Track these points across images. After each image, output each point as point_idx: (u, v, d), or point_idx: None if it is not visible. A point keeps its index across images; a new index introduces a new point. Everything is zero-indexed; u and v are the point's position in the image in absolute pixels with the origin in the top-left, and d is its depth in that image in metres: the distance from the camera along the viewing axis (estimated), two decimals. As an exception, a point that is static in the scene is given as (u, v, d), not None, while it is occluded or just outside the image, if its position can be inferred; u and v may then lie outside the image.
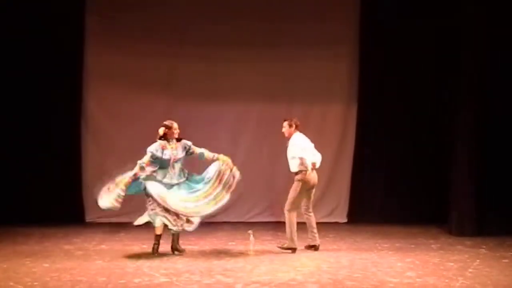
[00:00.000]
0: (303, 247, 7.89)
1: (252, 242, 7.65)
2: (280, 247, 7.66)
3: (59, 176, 10.10)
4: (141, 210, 10.34)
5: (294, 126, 7.82)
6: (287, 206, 7.64)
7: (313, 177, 7.74)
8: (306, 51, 10.59)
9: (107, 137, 10.58)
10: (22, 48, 10.07)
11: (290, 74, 10.67)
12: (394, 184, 10.64)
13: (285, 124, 7.84)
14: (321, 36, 10.65)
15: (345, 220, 10.80)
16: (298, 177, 7.65)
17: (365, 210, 10.64)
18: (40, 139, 10.08)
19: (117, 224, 9.91)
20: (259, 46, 10.54)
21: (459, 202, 9.40)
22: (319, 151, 10.87)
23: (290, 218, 7.60)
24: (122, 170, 10.51)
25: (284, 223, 7.75)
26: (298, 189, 7.62)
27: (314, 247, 7.83)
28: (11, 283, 5.92)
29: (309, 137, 10.82)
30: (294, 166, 7.68)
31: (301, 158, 7.58)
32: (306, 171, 7.63)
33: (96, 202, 7.40)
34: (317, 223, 10.38)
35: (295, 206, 7.64)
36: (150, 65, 10.51)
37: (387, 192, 10.65)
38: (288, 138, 7.84)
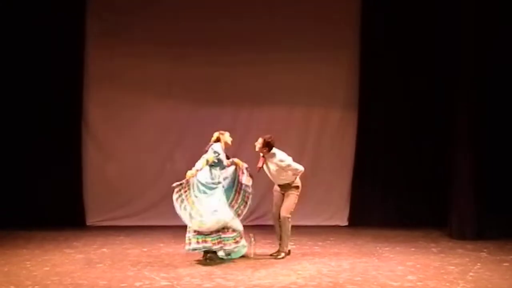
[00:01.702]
0: (302, 250, 7.89)
1: (253, 245, 7.64)
2: (279, 257, 7.51)
3: (60, 180, 10.09)
4: (141, 214, 10.44)
5: (270, 145, 7.53)
6: (287, 213, 7.53)
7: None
8: (307, 55, 10.61)
9: (108, 140, 10.58)
10: (23, 51, 10.08)
11: (291, 78, 10.69)
12: (395, 187, 10.64)
13: (260, 140, 7.55)
14: (322, 40, 10.68)
15: (346, 224, 10.80)
16: (296, 184, 7.59)
17: (365, 214, 10.64)
18: (41, 143, 10.08)
19: (118, 227, 9.94)
20: (260, 49, 10.55)
21: (459, 206, 9.40)
22: (319, 154, 10.96)
23: (288, 225, 7.56)
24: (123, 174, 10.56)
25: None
26: (297, 195, 7.60)
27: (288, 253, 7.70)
28: (12, 287, 5.92)
29: (309, 141, 10.92)
30: (289, 178, 7.56)
31: (300, 171, 7.54)
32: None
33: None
34: (318, 227, 10.45)
35: (291, 213, 7.61)
36: (151, 68, 10.53)
37: (388, 196, 10.65)
38: (261, 153, 7.60)
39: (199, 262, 7.21)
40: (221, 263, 7.18)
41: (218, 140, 7.59)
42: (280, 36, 10.60)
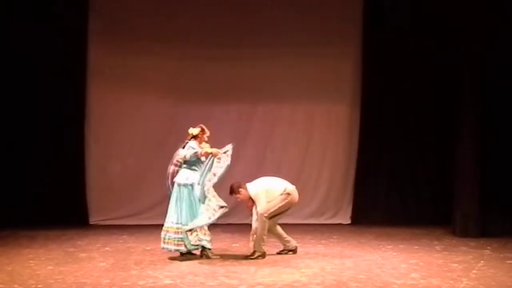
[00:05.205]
0: (305, 248, 7.87)
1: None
2: (252, 258, 7.34)
3: (62, 179, 10.12)
4: (144, 212, 10.45)
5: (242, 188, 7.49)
6: (264, 211, 7.31)
7: (296, 195, 7.54)
8: (310, 50, 10.59)
9: (111, 139, 10.59)
10: (24, 49, 10.08)
11: (294, 74, 10.70)
12: (398, 185, 10.64)
13: (242, 192, 7.46)
14: (324, 36, 10.67)
15: (349, 222, 10.80)
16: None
17: (368, 212, 10.65)
18: (43, 141, 10.11)
19: (121, 226, 9.95)
20: (263, 45, 10.55)
21: (463, 203, 9.39)
22: (323, 152, 10.94)
23: (265, 224, 7.32)
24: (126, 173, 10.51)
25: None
26: (284, 202, 7.41)
27: (293, 251, 7.66)
28: (16, 286, 5.92)
29: (313, 138, 10.89)
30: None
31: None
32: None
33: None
34: (321, 225, 10.45)
35: (271, 214, 7.35)
36: (154, 66, 10.54)
37: (391, 193, 10.65)
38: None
39: (202, 261, 7.20)
40: (223, 261, 7.18)
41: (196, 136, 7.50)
42: (283, 32, 10.58)
